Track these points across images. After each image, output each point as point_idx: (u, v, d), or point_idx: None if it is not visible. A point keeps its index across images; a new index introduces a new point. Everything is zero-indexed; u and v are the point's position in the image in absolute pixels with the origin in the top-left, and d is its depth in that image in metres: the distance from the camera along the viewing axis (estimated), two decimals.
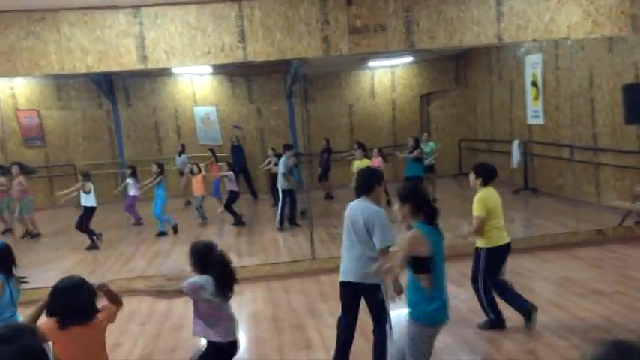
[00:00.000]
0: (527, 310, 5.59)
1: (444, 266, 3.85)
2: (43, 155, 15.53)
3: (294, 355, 5.46)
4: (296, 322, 6.32)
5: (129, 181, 11.36)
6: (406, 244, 3.81)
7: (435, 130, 16.90)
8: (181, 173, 14.08)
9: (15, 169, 10.91)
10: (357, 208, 4.60)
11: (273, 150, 13.59)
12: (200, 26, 7.87)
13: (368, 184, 4.64)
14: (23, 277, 8.05)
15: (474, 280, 5.69)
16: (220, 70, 14.87)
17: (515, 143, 13.02)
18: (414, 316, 3.84)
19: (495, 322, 5.66)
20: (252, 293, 7.39)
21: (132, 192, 11.52)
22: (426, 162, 12.32)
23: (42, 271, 8.54)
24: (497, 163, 14.40)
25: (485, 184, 5.49)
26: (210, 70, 15.06)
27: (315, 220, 9.84)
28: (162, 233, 11.14)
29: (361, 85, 17.06)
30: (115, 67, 7.93)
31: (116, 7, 7.67)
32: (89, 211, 10.28)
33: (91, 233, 10.38)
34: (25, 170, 11.16)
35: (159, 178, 11.02)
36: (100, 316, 3.49)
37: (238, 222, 11.69)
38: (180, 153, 14.79)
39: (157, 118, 16.31)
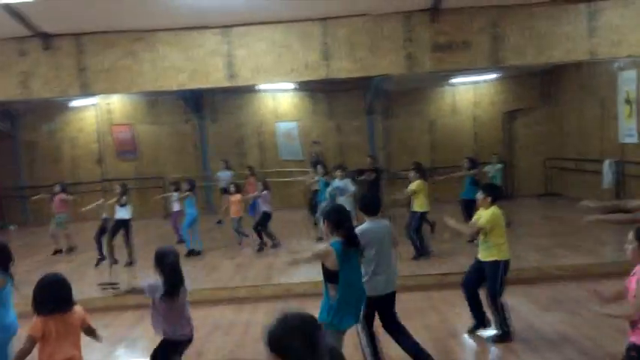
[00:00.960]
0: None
1: (355, 279, 4.52)
2: (134, 168, 16.36)
3: None
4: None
5: (174, 195, 11.59)
6: (316, 252, 4.54)
7: (519, 149, 16.45)
8: (224, 190, 13.92)
9: (57, 187, 11.90)
10: (381, 226, 5.22)
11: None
12: (286, 44, 8.08)
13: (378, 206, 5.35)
14: (114, 284, 8.54)
15: (495, 294, 5.90)
16: (302, 86, 15.19)
17: (607, 162, 12.44)
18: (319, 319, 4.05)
19: (507, 334, 5.95)
20: None
21: (175, 207, 11.83)
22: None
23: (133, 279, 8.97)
24: (586, 182, 13.96)
25: (493, 202, 5.98)
26: (292, 86, 15.42)
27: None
28: (191, 252, 10.80)
29: (443, 102, 16.88)
30: (204, 85, 8.28)
31: (206, 27, 8.02)
32: (120, 224, 10.36)
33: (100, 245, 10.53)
34: (64, 189, 11.98)
35: (186, 194, 11.01)
36: (76, 308, 4.19)
37: (273, 244, 11.17)
38: (226, 169, 14.66)
39: (241, 133, 16.81)
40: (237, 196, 11.55)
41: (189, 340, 4.83)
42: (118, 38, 8.05)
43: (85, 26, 7.92)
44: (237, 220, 11.60)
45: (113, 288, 8.20)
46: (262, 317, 7.21)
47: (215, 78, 8.15)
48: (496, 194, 6.05)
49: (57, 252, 11.84)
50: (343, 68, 8.10)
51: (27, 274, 9.93)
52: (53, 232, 11.91)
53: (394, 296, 5.29)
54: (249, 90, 15.93)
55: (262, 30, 8.09)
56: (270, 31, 8.09)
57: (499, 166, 12.20)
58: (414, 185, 9.67)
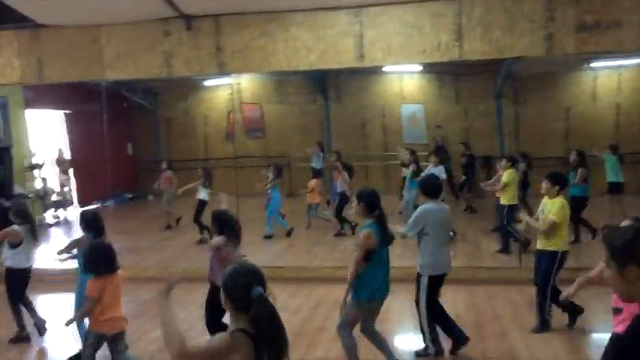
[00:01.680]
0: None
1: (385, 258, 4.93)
2: (263, 146, 16.93)
3: None
4: (500, 331, 6.08)
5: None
6: (361, 243, 4.83)
7: None
8: (317, 173, 13.96)
9: (164, 164, 12.79)
10: (441, 209, 5.45)
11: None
12: (417, 25, 7.90)
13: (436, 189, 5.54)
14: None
15: (545, 284, 5.84)
16: (429, 68, 14.85)
17: None
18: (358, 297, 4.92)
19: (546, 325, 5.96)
20: (454, 296, 7.24)
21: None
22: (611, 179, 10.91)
23: (257, 252, 9.31)
24: None
25: (560, 192, 5.91)
26: (419, 68, 15.13)
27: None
28: (268, 237, 11.02)
29: (580, 87, 15.78)
30: (334, 65, 8.33)
31: (339, 8, 8.04)
32: (202, 203, 10.98)
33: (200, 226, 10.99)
34: (170, 165, 12.80)
35: (277, 181, 11.15)
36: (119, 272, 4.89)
37: (339, 232, 11.02)
38: (320, 151, 14.55)
39: (364, 115, 16.81)
40: (313, 183, 11.75)
41: None
42: (253, 19, 8.30)
43: (224, 7, 8.24)
44: (315, 208, 11.70)
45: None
46: None
47: (345, 58, 8.16)
48: (563, 183, 6.02)
49: (168, 227, 12.58)
50: (477, 50, 7.78)
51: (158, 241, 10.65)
52: (165, 209, 12.68)
53: (445, 277, 5.54)
54: (375, 72, 15.82)
55: (394, 10, 7.96)
56: (402, 11, 7.94)
57: (611, 158, 11.02)
58: (505, 176, 9.09)
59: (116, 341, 4.97)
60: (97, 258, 4.77)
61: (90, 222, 5.80)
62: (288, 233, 11.13)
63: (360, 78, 16.34)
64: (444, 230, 5.48)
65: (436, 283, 5.45)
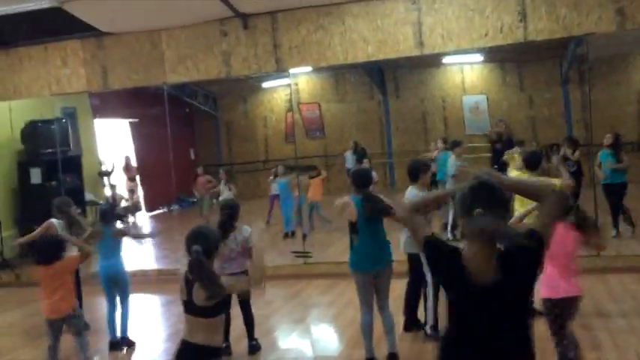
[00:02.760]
0: None
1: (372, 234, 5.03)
2: (323, 146, 16.88)
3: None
4: (581, 322, 5.74)
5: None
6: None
7: None
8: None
9: (199, 169, 12.62)
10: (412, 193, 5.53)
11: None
12: (478, 7, 7.64)
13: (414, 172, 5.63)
14: (307, 252, 8.88)
15: None
16: (492, 57, 14.40)
17: None
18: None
19: None
20: None
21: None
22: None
23: (324, 249, 9.24)
24: None
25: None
26: (480, 58, 14.71)
27: None
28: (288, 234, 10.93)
29: None
30: (392, 55, 8.16)
31: None
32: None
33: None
34: (207, 170, 12.62)
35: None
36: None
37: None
38: (355, 150, 13.99)
39: (424, 109, 16.50)
40: (317, 180, 11.28)
41: None
42: (309, 13, 8.24)
43: (279, 4, 8.22)
44: (316, 205, 11.12)
45: (305, 256, 8.54)
46: None
47: (404, 47, 7.99)
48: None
49: None
50: (543, 29, 7.44)
51: None
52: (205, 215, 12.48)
53: None
54: (434, 64, 15.55)
55: None
56: None
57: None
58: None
59: (59, 326, 5.23)
60: (37, 249, 5.29)
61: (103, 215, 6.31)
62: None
63: (418, 71, 16.07)
64: None
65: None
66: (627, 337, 5.37)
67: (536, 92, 15.42)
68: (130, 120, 15.72)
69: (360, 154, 13.64)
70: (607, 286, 6.83)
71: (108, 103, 13.85)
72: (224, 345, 5.47)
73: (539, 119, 15.43)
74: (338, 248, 9.42)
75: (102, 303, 6.58)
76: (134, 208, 15.05)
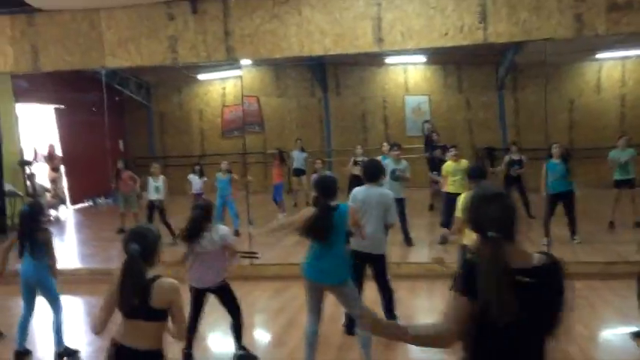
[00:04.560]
0: None
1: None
2: (262, 141, 16.41)
3: None
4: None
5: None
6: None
7: None
8: (299, 172, 13.32)
9: (119, 163, 11.66)
10: (370, 193, 5.45)
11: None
12: (439, 5, 7.49)
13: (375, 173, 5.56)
14: (254, 253, 8.46)
15: None
16: (435, 59, 14.45)
17: None
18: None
19: None
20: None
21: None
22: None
23: (268, 250, 8.84)
24: None
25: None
26: (424, 59, 14.73)
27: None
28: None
29: (584, 79, 15.50)
30: (350, 50, 7.87)
31: None
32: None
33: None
34: (128, 165, 11.67)
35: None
36: None
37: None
38: (302, 149, 13.66)
39: (364, 108, 16.37)
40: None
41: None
42: (263, 1, 7.83)
43: None
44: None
45: (252, 257, 8.12)
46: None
47: (362, 42, 7.73)
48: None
49: (121, 231, 11.33)
50: (502, 32, 7.39)
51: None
52: (122, 211, 11.51)
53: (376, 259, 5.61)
54: (375, 63, 15.44)
55: None
56: None
57: (630, 150, 9.89)
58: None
59: None
60: None
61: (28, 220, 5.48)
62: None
63: (359, 69, 15.92)
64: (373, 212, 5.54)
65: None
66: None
67: (473, 95, 15.65)
68: (56, 106, 14.65)
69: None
70: None
71: (32, 87, 12.81)
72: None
73: (476, 122, 15.67)
74: (285, 248, 9.08)
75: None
76: (59, 201, 14.06)
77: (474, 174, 5.73)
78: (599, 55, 14.75)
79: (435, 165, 11.47)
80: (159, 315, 3.25)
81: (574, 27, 7.22)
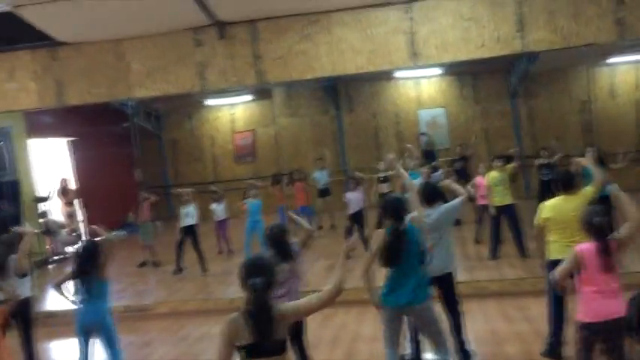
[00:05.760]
0: None
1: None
2: (274, 164, 16.14)
3: None
4: None
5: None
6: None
7: None
8: (323, 192, 13.02)
9: (143, 194, 11.36)
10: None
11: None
12: (475, 17, 7.33)
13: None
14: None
15: None
16: (452, 70, 14.30)
17: None
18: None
19: None
20: None
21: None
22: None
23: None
24: None
25: None
26: (439, 71, 14.59)
27: None
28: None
29: (598, 84, 15.41)
30: (385, 66, 7.73)
31: (388, 4, 7.43)
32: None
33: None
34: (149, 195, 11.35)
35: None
36: None
37: None
38: (322, 168, 13.39)
39: (376, 124, 16.19)
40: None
41: None
42: (293, 22, 7.65)
43: (260, 12, 7.59)
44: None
45: None
46: None
47: (396, 58, 7.55)
48: None
49: (143, 264, 11.33)
50: (542, 39, 7.23)
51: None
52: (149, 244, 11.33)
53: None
54: (385, 77, 15.25)
55: (448, 3, 7.39)
56: (457, 3, 7.37)
57: None
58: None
59: None
60: None
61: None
62: None
63: (369, 85, 15.72)
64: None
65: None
66: None
67: (489, 105, 15.51)
68: (69, 139, 14.43)
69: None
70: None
71: (43, 121, 12.59)
72: None
73: (492, 131, 15.51)
74: (318, 273, 8.84)
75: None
76: (76, 237, 13.75)
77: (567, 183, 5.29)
78: (610, 60, 14.66)
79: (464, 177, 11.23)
80: (282, 347, 3.06)
81: (615, 31, 7.07)
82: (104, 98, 8.14)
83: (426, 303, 4.62)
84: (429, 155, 13.88)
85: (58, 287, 5.38)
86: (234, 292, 8.53)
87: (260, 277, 3.01)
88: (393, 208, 4.64)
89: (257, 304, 2.98)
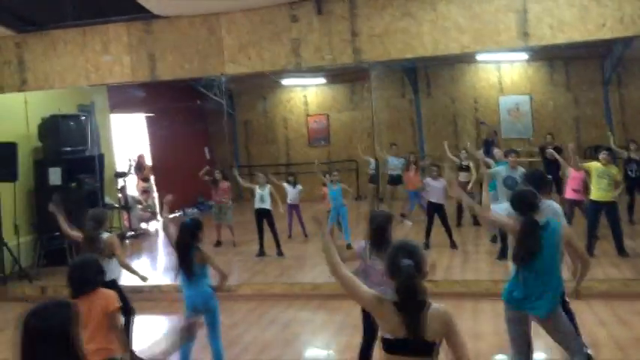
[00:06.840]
0: None
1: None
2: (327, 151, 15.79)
3: None
4: None
5: None
6: None
7: None
8: (395, 179, 12.34)
9: (217, 174, 11.10)
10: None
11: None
12: None
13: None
14: None
15: None
16: (540, 55, 13.53)
17: None
18: None
19: None
20: None
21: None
22: None
23: None
24: None
25: None
26: (525, 56, 13.85)
27: None
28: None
29: None
30: (491, 47, 7.26)
31: None
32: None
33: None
34: (225, 175, 11.23)
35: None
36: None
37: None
38: (396, 155, 12.80)
39: (455, 110, 15.59)
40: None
41: None
42: None
43: None
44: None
45: None
46: None
47: (505, 38, 7.05)
48: None
49: (218, 243, 11.20)
50: None
51: None
52: (217, 223, 11.23)
53: None
54: (465, 60, 14.54)
55: None
56: None
57: None
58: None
59: None
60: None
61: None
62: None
63: (448, 67, 15.07)
64: None
65: None
66: None
67: (581, 92, 14.62)
68: (147, 114, 14.50)
69: None
70: None
71: (123, 96, 12.63)
72: None
73: (584, 120, 14.65)
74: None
75: None
76: (151, 214, 13.86)
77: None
78: None
79: (550, 169, 10.59)
80: (430, 349, 2.79)
81: None
82: (196, 74, 7.98)
83: (554, 315, 4.21)
84: (488, 145, 13.24)
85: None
86: (315, 277, 8.37)
87: (408, 259, 2.83)
88: (522, 201, 4.25)
89: (405, 290, 2.79)
